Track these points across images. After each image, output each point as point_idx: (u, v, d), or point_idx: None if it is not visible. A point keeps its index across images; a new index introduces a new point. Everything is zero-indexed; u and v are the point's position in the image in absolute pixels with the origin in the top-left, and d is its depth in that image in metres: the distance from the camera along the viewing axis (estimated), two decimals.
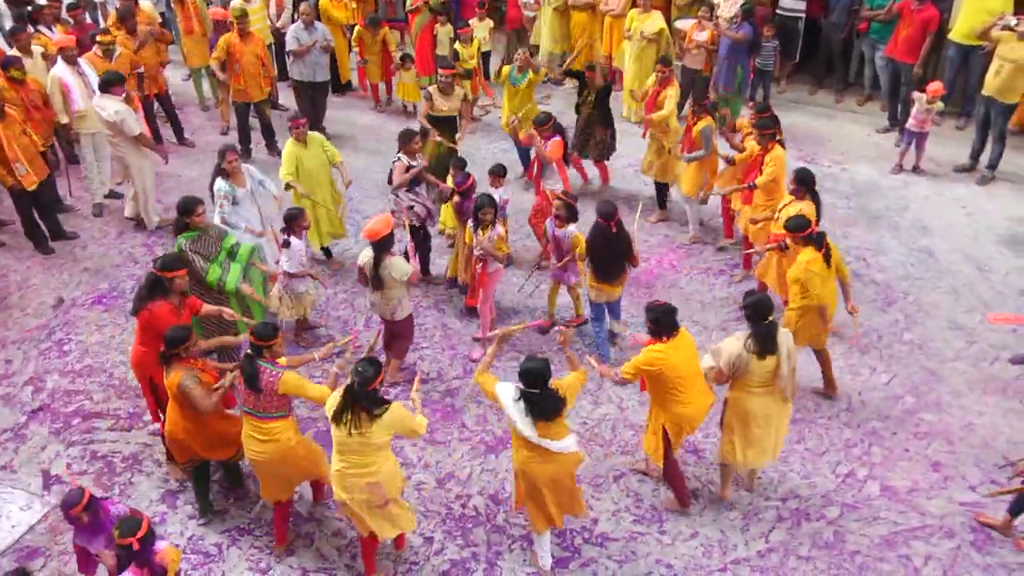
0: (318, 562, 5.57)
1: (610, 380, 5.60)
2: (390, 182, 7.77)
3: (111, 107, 8.28)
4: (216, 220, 7.12)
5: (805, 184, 6.83)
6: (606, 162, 9.51)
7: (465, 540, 5.70)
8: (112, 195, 9.59)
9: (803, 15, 11.02)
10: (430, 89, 8.89)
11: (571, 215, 6.86)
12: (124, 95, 8.42)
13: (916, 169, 9.83)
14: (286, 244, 6.89)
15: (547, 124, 8.06)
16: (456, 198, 7.38)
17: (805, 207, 6.70)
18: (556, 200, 6.91)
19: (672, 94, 8.46)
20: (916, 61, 9.97)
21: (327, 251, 8.39)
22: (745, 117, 8.25)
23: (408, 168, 7.60)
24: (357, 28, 11.05)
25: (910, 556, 5.52)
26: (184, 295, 5.86)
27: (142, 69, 9.69)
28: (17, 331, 7.67)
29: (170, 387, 5.26)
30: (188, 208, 6.43)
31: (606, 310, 7.08)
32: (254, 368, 5.10)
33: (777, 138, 7.45)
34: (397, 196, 7.66)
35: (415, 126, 8.97)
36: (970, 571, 5.41)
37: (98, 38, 9.02)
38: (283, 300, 7.11)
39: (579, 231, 6.92)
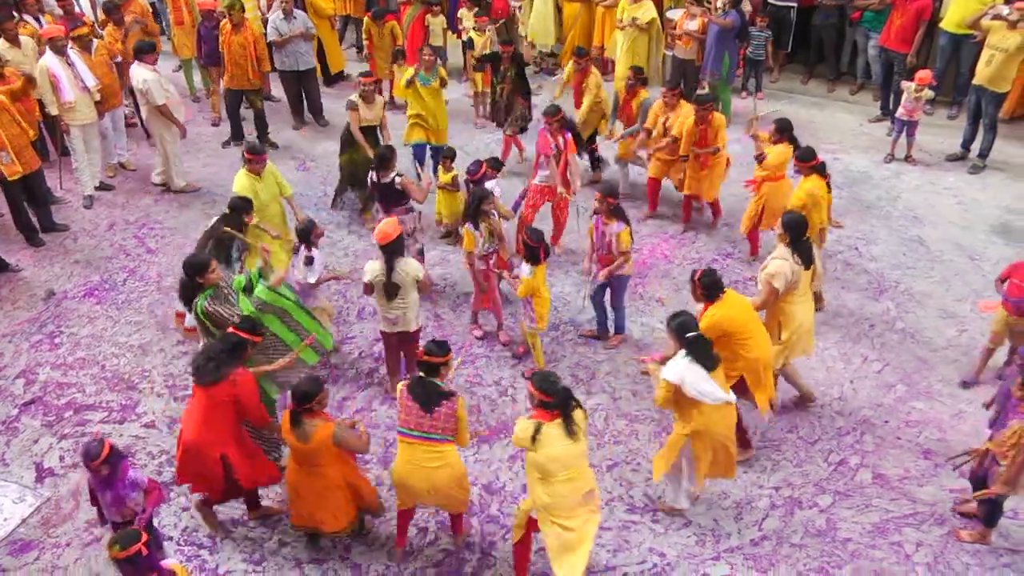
0: (312, 553, 5.56)
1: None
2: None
3: (140, 75, 8.81)
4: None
5: (784, 132, 7.57)
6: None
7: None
8: (103, 187, 9.57)
9: (795, 5, 11.05)
10: (353, 99, 8.55)
11: (530, 256, 6.56)
12: (156, 63, 8.92)
13: (908, 158, 9.85)
14: (309, 261, 6.55)
15: (557, 116, 7.86)
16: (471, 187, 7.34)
17: (783, 149, 7.50)
18: (522, 238, 6.70)
19: (592, 84, 8.97)
20: (909, 50, 10.00)
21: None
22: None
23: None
24: (365, 21, 10.96)
25: (901, 543, 5.55)
26: None
27: (119, 59, 9.67)
28: (8, 324, 7.64)
29: (322, 442, 4.89)
30: (200, 268, 5.64)
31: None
32: (427, 387, 4.91)
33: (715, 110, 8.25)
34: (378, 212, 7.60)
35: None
36: (960, 557, 5.45)
37: (72, 33, 8.89)
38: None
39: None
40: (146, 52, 8.82)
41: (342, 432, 4.94)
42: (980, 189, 9.34)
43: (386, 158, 7.26)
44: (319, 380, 5.01)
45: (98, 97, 8.93)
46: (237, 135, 10.42)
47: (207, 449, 5.10)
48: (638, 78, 8.83)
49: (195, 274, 5.64)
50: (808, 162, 7.09)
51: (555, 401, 4.61)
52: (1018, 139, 10.19)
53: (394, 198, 7.35)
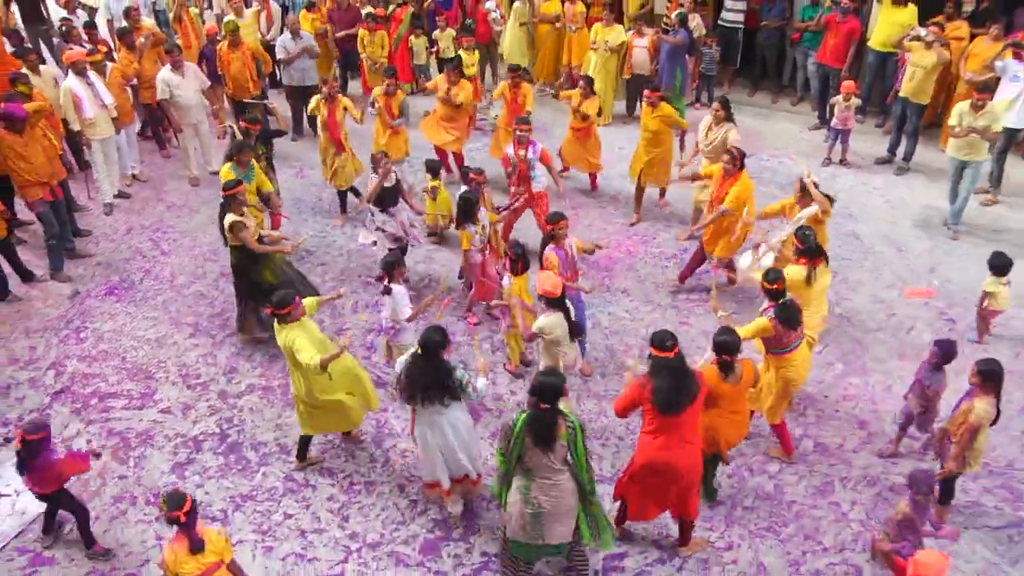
0: (314, 523, 5.51)
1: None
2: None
3: (159, 73, 9.15)
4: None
5: (726, 108, 7.82)
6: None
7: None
8: (121, 195, 9.44)
9: (742, 26, 11.13)
10: (237, 218, 6.47)
11: (512, 268, 6.28)
12: (179, 66, 9.11)
13: (843, 162, 9.88)
14: (387, 291, 6.02)
15: (528, 124, 7.78)
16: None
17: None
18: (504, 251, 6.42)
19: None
20: (843, 66, 10.08)
21: None
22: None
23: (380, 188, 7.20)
24: (361, 32, 10.87)
25: (839, 502, 5.58)
26: None
27: (135, 82, 9.63)
28: (39, 320, 7.51)
29: (748, 380, 4.97)
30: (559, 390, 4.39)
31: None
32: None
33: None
34: (372, 215, 7.42)
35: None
36: (888, 512, 5.43)
37: (88, 58, 8.72)
38: (393, 353, 6.19)
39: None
40: (166, 51, 9.21)
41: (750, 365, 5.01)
42: (905, 189, 9.37)
43: (380, 162, 7.25)
44: (733, 331, 4.94)
45: (115, 114, 8.81)
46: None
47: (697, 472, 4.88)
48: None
49: (554, 397, 4.38)
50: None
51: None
52: (935, 144, 10.21)
53: (390, 200, 7.31)
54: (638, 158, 8.47)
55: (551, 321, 5.56)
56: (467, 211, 6.81)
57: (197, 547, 4.29)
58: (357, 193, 8.87)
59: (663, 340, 4.60)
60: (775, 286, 5.43)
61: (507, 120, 8.98)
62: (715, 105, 7.96)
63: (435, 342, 4.83)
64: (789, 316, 5.30)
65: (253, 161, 7.36)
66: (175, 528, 4.31)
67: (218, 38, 9.93)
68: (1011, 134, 8.73)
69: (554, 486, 4.36)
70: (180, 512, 4.25)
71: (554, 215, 6.32)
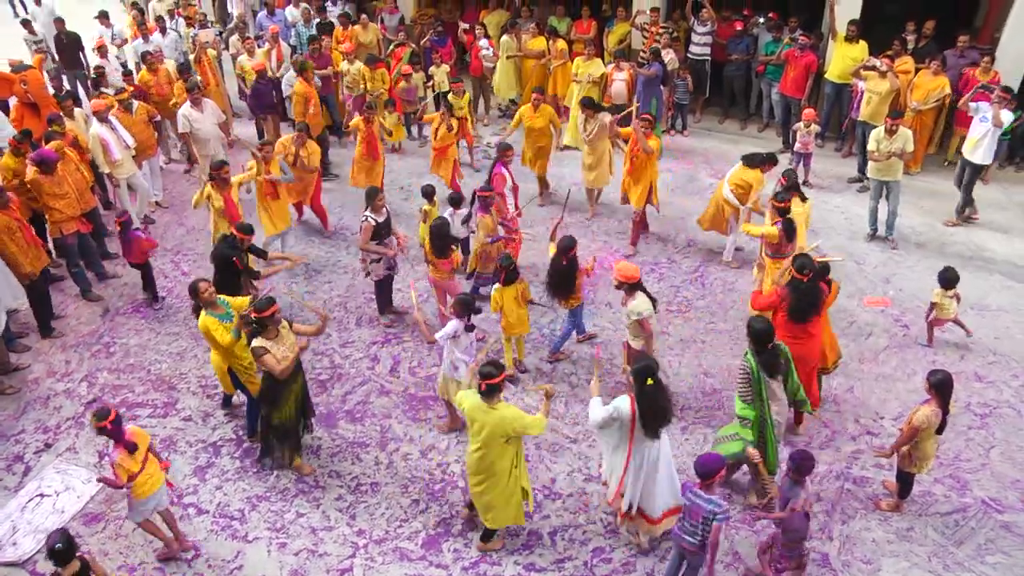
0: (323, 521, 5.47)
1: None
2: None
3: (180, 109, 9.18)
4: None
5: (592, 108, 8.42)
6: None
7: (445, 500, 5.63)
8: (146, 220, 9.40)
9: (708, 58, 11.19)
10: (256, 345, 5.30)
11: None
12: (198, 102, 9.09)
13: (805, 183, 9.88)
14: (471, 328, 5.76)
15: (510, 151, 7.95)
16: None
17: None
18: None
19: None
20: (803, 96, 10.13)
21: None
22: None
23: (375, 226, 6.87)
24: (361, 67, 10.88)
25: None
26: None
27: (158, 118, 9.68)
28: (74, 337, 7.47)
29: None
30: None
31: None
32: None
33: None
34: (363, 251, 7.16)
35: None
36: (851, 504, 5.48)
37: (116, 97, 8.78)
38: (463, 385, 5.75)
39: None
40: (188, 90, 9.17)
41: None
42: (862, 206, 9.34)
43: (373, 196, 7.00)
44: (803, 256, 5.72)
45: (134, 153, 8.85)
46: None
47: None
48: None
49: (772, 338, 5.13)
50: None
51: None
52: None
53: (385, 232, 7.09)
54: (525, 151, 9.40)
55: (641, 302, 5.80)
56: (442, 240, 6.68)
57: (132, 448, 4.72)
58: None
59: (803, 266, 5.49)
60: (783, 204, 6.60)
61: (362, 152, 8.86)
62: (583, 106, 8.64)
63: (655, 370, 4.70)
64: (790, 229, 6.47)
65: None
66: (111, 441, 4.71)
67: (266, 74, 10.08)
68: (976, 169, 8.61)
69: (781, 402, 5.15)
70: (106, 422, 4.58)
71: (568, 240, 6.40)
